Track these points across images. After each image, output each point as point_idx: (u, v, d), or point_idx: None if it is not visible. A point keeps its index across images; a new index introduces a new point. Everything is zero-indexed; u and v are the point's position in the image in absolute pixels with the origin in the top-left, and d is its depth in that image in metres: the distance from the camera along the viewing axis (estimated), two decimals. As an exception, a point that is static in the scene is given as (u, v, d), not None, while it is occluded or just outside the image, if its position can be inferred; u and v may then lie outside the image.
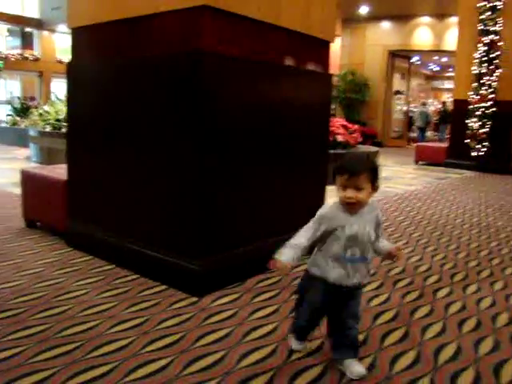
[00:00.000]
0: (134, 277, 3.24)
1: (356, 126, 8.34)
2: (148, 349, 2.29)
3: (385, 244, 2.09)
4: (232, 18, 2.96)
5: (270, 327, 2.56)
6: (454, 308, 2.96)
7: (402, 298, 3.07)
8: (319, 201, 3.93)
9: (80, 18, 3.60)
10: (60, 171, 4.20)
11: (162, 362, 2.17)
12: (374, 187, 1.97)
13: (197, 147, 2.90)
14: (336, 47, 17.31)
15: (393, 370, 2.19)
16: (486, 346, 2.49)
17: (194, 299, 2.89)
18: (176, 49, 2.99)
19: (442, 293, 3.21)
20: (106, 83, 3.52)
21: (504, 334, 2.64)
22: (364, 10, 16.07)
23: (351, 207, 1.96)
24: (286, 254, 1.97)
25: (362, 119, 16.42)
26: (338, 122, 7.90)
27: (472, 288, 3.34)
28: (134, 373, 2.08)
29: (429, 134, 20.38)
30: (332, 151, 6.99)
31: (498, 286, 3.42)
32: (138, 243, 3.30)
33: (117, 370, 2.09)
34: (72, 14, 3.67)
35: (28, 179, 4.44)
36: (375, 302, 2.98)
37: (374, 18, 16.83)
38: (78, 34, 3.65)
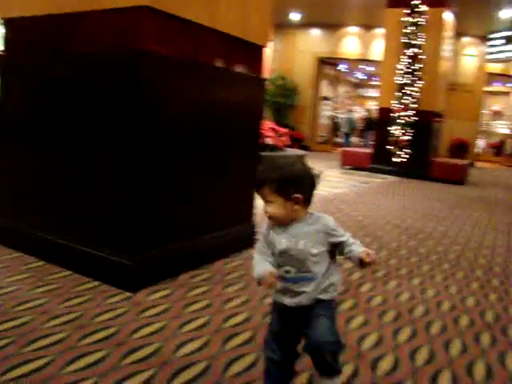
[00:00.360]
0: (67, 273, 3.22)
1: (285, 130, 8.57)
2: (84, 342, 2.32)
3: (354, 250, 1.78)
4: (171, 20, 3.04)
5: (203, 320, 2.66)
6: (375, 301, 3.19)
7: (328, 292, 3.26)
8: (249, 201, 4.08)
9: (13, 7, 3.52)
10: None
11: (99, 355, 2.21)
12: (293, 198, 1.72)
13: (128, 145, 2.96)
14: (268, 51, 17.62)
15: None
16: (405, 334, 2.72)
17: (128, 294, 2.93)
18: (114, 47, 3.02)
19: (364, 288, 3.43)
20: (39, 78, 3.48)
21: (420, 323, 2.88)
22: (295, 16, 16.47)
23: (275, 222, 1.80)
24: (260, 266, 1.75)
25: (290, 123, 16.80)
26: (267, 125, 8.09)
27: (392, 283, 3.59)
28: (71, 365, 2.11)
29: (354, 139, 21.17)
30: (261, 153, 7.22)
31: (416, 281, 3.69)
32: (71, 240, 3.29)
33: (53, 364, 2.11)
34: (3, 3, 3.59)
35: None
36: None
37: (305, 25, 17.30)
38: (11, 25, 3.58)
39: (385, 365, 2.35)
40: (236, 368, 2.19)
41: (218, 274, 3.40)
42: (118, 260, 3.03)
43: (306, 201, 1.76)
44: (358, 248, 1.78)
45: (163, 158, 3.16)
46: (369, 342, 2.58)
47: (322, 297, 1.79)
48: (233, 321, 2.68)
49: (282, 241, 1.76)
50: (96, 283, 3.08)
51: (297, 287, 1.78)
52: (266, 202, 1.75)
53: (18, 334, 2.35)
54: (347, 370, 2.25)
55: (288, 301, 1.80)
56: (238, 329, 2.59)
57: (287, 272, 1.78)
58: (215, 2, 3.38)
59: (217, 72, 3.53)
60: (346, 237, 1.80)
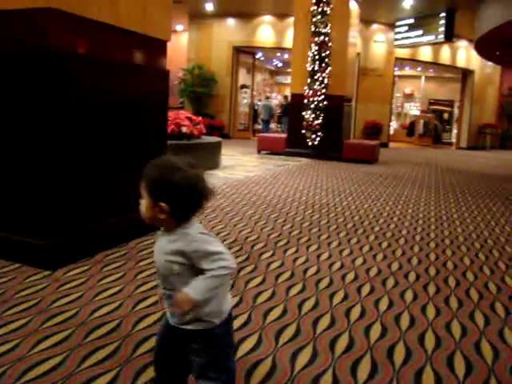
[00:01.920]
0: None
1: (200, 118, 8.90)
2: (7, 313, 2.60)
3: (190, 287, 1.53)
4: (75, 19, 3.31)
5: (117, 288, 3.00)
6: (274, 265, 3.64)
7: (232, 260, 3.69)
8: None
9: None
10: None
11: (22, 322, 2.50)
12: (158, 205, 1.52)
13: (41, 134, 3.23)
14: (183, 42, 17.80)
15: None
16: (295, 288, 3.19)
17: (48, 272, 3.21)
18: (22, 47, 3.26)
19: (265, 255, 3.88)
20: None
21: (311, 282, 3.36)
22: (209, 6, 16.73)
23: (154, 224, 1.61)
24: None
25: (209, 112, 17.12)
26: (183, 115, 8.40)
27: (291, 250, 4.06)
28: (-4, 330, 2.40)
29: (273, 126, 21.81)
30: (177, 142, 7.54)
31: (312, 248, 4.19)
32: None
33: (-21, 331, 2.39)
34: None
35: None
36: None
37: (220, 14, 17.58)
38: None
39: (275, 313, 2.80)
40: (143, 325, 2.56)
41: (132, 252, 3.73)
42: (36, 242, 3.29)
43: (177, 214, 1.53)
44: (193, 284, 1.52)
45: (75, 145, 3.44)
46: (263, 297, 3.02)
47: (192, 327, 1.60)
48: (143, 288, 3.04)
49: (155, 249, 1.64)
50: (17, 265, 3.31)
51: (169, 305, 1.64)
52: (141, 196, 1.57)
53: None
54: (241, 319, 2.67)
55: (170, 319, 1.68)
56: (146, 294, 2.95)
57: (159, 286, 1.68)
58: (116, 0, 3.67)
59: (118, 66, 3.83)
60: (207, 265, 1.52)
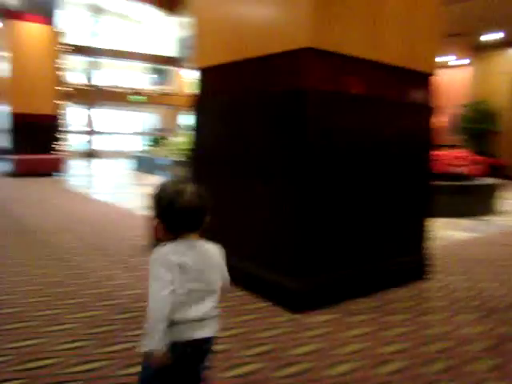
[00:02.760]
0: (241, 293, 3.52)
1: (477, 157, 8.10)
2: (243, 354, 2.55)
3: None
4: (333, 58, 3.22)
5: (359, 346, 2.71)
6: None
7: None
8: (421, 231, 4.00)
9: (206, 59, 4.08)
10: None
11: (254, 367, 2.42)
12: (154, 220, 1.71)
13: (300, 176, 3.17)
14: (462, 76, 16.80)
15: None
16: None
17: (294, 316, 3.11)
18: (283, 86, 3.30)
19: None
20: (225, 116, 3.92)
21: None
22: (494, 36, 15.43)
23: None
24: None
25: (488, 150, 15.61)
26: (456, 153, 7.74)
27: None
28: (228, 371, 2.36)
29: None
30: (448, 183, 6.93)
31: None
32: (246, 262, 3.60)
33: (214, 370, 2.36)
34: (199, 56, 4.17)
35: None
36: None
37: (504, 44, 16.07)
38: (204, 72, 4.13)
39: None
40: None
41: (382, 304, 3.39)
42: (287, 283, 3.23)
43: (170, 229, 1.66)
44: None
45: (332, 191, 3.32)
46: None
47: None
48: (387, 349, 2.68)
49: None
50: (265, 304, 3.31)
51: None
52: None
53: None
54: None
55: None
56: (390, 357, 2.58)
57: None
58: (379, 36, 3.49)
59: (381, 103, 3.60)
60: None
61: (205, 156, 4.19)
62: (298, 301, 3.21)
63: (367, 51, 3.42)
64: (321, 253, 3.32)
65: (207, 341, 1.69)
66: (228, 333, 2.81)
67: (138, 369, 1.75)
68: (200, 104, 4.23)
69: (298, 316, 3.11)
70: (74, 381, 2.24)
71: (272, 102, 3.41)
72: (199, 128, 4.26)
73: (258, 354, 2.56)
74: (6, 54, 12.61)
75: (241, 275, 3.64)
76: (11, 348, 2.56)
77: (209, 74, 4.08)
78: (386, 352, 2.64)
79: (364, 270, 3.58)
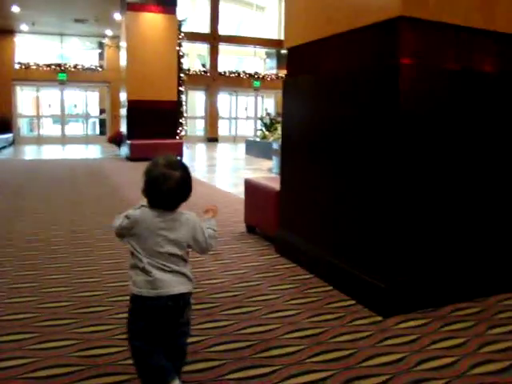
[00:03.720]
0: (328, 288, 3.28)
1: None
2: (313, 359, 2.31)
3: None
4: (432, 27, 2.82)
5: (448, 360, 2.34)
6: None
7: None
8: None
9: (294, 38, 3.84)
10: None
11: (322, 375, 2.17)
12: None
13: (396, 163, 2.82)
14: None
15: None
16: None
17: (378, 318, 2.80)
18: (374, 61, 2.96)
19: None
20: (313, 98, 3.66)
21: None
22: None
23: None
24: None
25: None
26: None
27: None
28: (289, 380, 2.13)
29: None
30: None
31: None
32: (335, 257, 3.33)
33: (277, 373, 2.17)
34: (288, 36, 3.94)
35: (249, 188, 4.86)
36: None
37: None
38: (292, 52, 3.89)
39: None
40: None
41: (488, 311, 2.95)
42: (373, 281, 2.93)
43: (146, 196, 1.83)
44: None
45: (434, 179, 2.93)
46: None
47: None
48: (482, 369, 2.28)
49: None
50: (351, 302, 3.04)
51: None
52: None
53: (259, 339, 2.49)
54: None
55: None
56: (484, 379, 2.18)
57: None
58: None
59: (488, 78, 3.11)
60: None
61: (293, 141, 3.96)
62: (386, 302, 2.87)
63: (475, 19, 2.95)
64: (418, 250, 2.95)
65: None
66: (301, 333, 2.59)
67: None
68: (287, 86, 4.00)
69: (384, 319, 2.80)
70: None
71: (362, 80, 3.08)
72: (287, 111, 4.03)
73: (331, 361, 2.30)
74: (126, 44, 13.26)
75: (329, 270, 3.40)
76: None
77: (296, 54, 3.83)
78: (483, 371, 2.24)
79: (471, 270, 3.15)
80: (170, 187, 1.77)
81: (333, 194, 3.39)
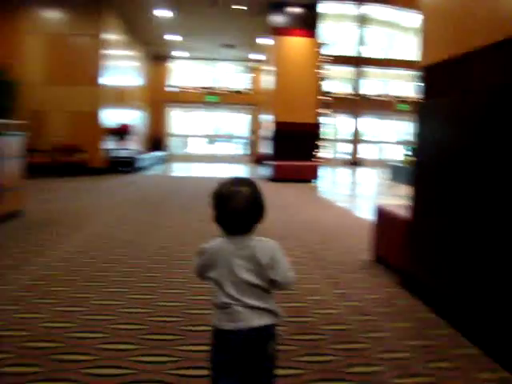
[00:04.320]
0: (451, 331, 2.95)
1: None
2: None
3: None
4: None
5: None
6: None
7: None
8: None
9: (430, 56, 3.60)
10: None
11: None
12: None
13: None
14: None
15: None
16: None
17: (506, 375, 2.44)
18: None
19: None
20: (454, 118, 3.28)
21: None
22: None
23: None
24: None
25: None
26: None
27: None
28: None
29: None
30: None
31: None
32: (466, 300, 2.98)
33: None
34: (423, 54, 3.71)
35: (379, 215, 4.62)
36: None
37: None
38: (428, 71, 3.65)
39: None
40: None
41: None
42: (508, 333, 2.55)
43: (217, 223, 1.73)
44: None
45: None
46: None
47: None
48: None
49: None
50: (474, 351, 2.70)
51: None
52: None
53: (364, 381, 2.33)
54: None
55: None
56: None
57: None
58: None
59: None
60: None
61: (430, 166, 3.57)
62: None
63: None
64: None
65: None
66: (413, 379, 2.35)
67: None
68: (423, 107, 3.72)
69: (509, 376, 2.43)
70: None
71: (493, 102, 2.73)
72: (423, 134, 3.73)
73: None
74: (276, 67, 13.65)
75: (452, 312, 3.07)
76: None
77: (432, 73, 3.56)
78: None
79: None
80: (237, 205, 1.65)
81: (473, 231, 2.99)
